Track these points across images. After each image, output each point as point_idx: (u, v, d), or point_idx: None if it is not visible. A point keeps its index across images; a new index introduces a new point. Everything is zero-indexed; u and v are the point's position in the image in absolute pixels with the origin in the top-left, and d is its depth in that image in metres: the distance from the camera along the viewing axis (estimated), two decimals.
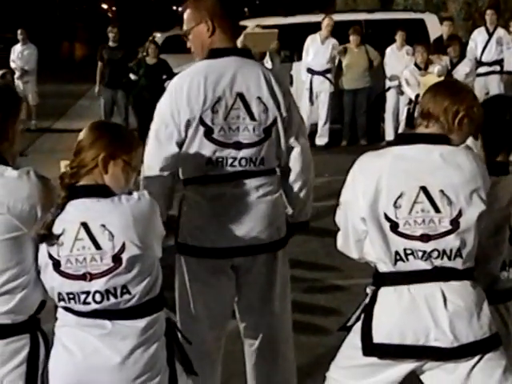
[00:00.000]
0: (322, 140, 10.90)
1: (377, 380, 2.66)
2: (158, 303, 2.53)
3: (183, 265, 3.18)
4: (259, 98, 3.00)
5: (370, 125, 11.03)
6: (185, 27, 3.13)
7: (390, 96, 10.69)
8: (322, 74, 10.73)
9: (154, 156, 3.03)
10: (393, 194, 2.56)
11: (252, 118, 3.00)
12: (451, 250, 2.54)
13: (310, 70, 10.75)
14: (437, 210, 2.54)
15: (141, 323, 2.46)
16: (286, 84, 3.35)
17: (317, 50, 10.69)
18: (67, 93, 17.58)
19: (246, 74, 3.00)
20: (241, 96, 2.98)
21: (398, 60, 10.40)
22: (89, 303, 2.44)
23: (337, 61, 10.86)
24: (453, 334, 2.51)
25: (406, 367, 2.61)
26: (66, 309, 2.50)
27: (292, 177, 3.20)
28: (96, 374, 2.44)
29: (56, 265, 2.44)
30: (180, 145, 3.02)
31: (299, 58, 10.95)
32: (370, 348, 2.60)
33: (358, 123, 11.01)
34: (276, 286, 3.20)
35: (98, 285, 2.43)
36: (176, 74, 10.23)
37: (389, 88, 10.70)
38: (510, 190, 2.81)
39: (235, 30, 3.22)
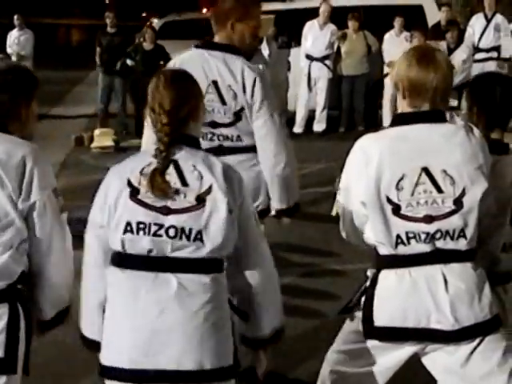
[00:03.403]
0: (319, 126, 10.89)
1: (377, 364, 2.67)
2: (221, 264, 2.46)
3: None
4: (229, 85, 3.43)
5: (368, 111, 11.02)
6: None
7: (388, 82, 10.67)
8: (321, 60, 10.71)
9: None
10: (394, 176, 2.54)
11: (223, 102, 3.44)
12: (454, 231, 2.53)
13: (308, 57, 10.73)
14: (439, 191, 2.53)
15: (207, 279, 2.38)
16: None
17: (315, 36, 10.67)
18: (64, 79, 17.52)
19: (221, 65, 3.44)
20: (215, 83, 3.44)
21: (396, 46, 10.34)
22: (160, 235, 2.36)
23: (335, 47, 10.85)
24: (454, 316, 2.51)
25: (407, 350, 2.62)
26: (125, 262, 2.40)
27: (262, 164, 3.52)
28: (164, 337, 2.34)
29: (134, 192, 2.39)
30: None
31: (297, 44, 10.92)
32: (371, 331, 2.60)
33: (355, 109, 11.01)
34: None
35: (175, 220, 2.37)
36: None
37: (387, 74, 10.67)
38: (511, 169, 2.81)
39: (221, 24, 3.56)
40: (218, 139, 3.46)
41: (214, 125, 3.44)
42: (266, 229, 3.75)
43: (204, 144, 3.19)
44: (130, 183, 2.42)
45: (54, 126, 11.52)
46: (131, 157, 2.55)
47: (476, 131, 2.60)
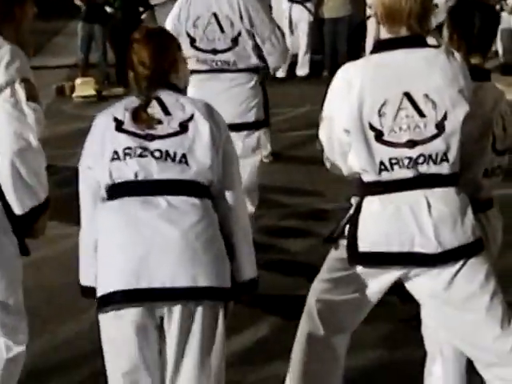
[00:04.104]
0: (302, 70, 10.83)
1: (362, 290, 2.68)
2: (208, 191, 2.49)
3: None
4: (227, 15, 4.18)
5: (351, 54, 10.92)
6: None
7: (371, 24, 10.58)
8: (301, 2, 10.61)
9: None
10: (376, 103, 2.53)
11: (222, 30, 4.20)
12: (437, 155, 2.54)
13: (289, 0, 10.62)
14: (421, 115, 2.53)
15: (196, 200, 2.43)
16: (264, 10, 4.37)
17: None
18: (43, 29, 17.20)
19: None
20: (215, 14, 4.20)
21: None
22: (145, 156, 2.42)
23: None
24: (437, 239, 2.53)
25: (391, 276, 2.64)
26: (114, 192, 2.44)
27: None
28: (157, 255, 2.36)
29: (119, 125, 2.46)
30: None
31: None
32: (356, 257, 2.62)
33: (339, 52, 10.93)
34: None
35: (159, 144, 2.43)
36: (153, 5, 9.97)
37: (369, 16, 10.58)
38: (492, 95, 2.82)
39: None
40: (217, 64, 4.23)
41: (215, 52, 4.22)
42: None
43: (205, 67, 4.23)
44: (115, 118, 2.49)
45: (34, 77, 11.36)
46: (116, 103, 2.61)
47: (457, 55, 2.59)
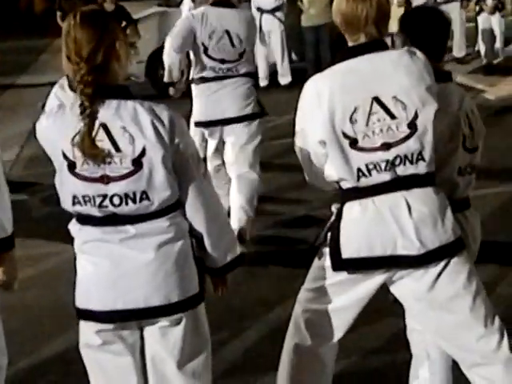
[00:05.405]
0: (284, 79, 10.84)
1: (347, 298, 2.70)
2: (176, 205, 2.45)
3: None
4: (237, 34, 5.11)
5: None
6: None
7: None
8: (271, 12, 10.64)
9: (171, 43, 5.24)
10: (347, 110, 2.55)
11: (233, 45, 5.11)
12: (412, 154, 2.55)
13: (259, 9, 10.64)
14: (392, 117, 2.55)
15: (163, 222, 2.41)
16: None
17: None
18: (28, 48, 17.24)
19: (230, 17, 5.12)
20: (227, 32, 5.08)
21: None
22: (106, 206, 2.36)
23: None
24: (419, 240, 2.54)
25: (375, 280, 2.65)
26: (84, 221, 2.43)
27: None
28: (130, 280, 2.39)
29: (71, 166, 2.35)
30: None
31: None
32: (340, 264, 2.62)
33: (322, 59, 10.96)
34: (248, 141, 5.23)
35: (117, 188, 2.35)
36: (136, 20, 10.15)
37: None
38: (457, 95, 2.86)
39: None
40: (223, 71, 5.12)
41: (223, 61, 5.09)
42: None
43: (212, 74, 5.11)
44: (65, 156, 2.35)
45: (20, 96, 11.40)
46: (62, 111, 2.43)
47: (419, 53, 2.60)
